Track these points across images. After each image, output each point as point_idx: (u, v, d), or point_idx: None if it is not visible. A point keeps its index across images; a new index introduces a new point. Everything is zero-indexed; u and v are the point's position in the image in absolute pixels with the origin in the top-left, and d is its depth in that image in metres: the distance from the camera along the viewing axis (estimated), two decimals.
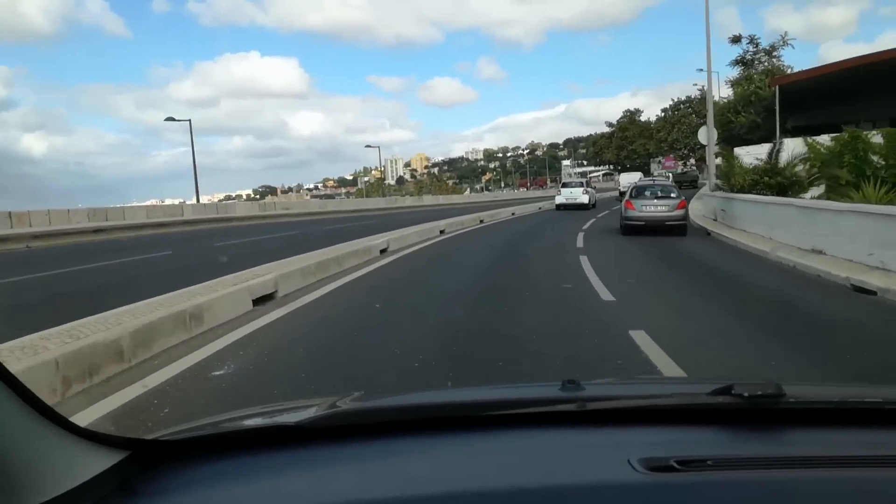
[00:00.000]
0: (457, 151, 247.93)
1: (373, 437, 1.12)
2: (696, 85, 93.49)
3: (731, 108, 37.14)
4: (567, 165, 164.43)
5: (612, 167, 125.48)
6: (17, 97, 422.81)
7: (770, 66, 41.16)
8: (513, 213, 29.07)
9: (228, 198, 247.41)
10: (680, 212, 15.65)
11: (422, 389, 3.89)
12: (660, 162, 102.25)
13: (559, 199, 31.74)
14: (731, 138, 33.68)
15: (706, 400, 1.17)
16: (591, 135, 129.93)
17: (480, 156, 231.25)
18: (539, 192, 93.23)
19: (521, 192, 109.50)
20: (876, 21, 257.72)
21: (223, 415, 1.40)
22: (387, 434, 1.12)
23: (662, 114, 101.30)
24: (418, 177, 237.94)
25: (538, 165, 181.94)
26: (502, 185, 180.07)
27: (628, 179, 50.17)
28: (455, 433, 1.13)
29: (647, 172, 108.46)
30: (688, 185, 51.98)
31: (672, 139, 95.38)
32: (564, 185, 33.43)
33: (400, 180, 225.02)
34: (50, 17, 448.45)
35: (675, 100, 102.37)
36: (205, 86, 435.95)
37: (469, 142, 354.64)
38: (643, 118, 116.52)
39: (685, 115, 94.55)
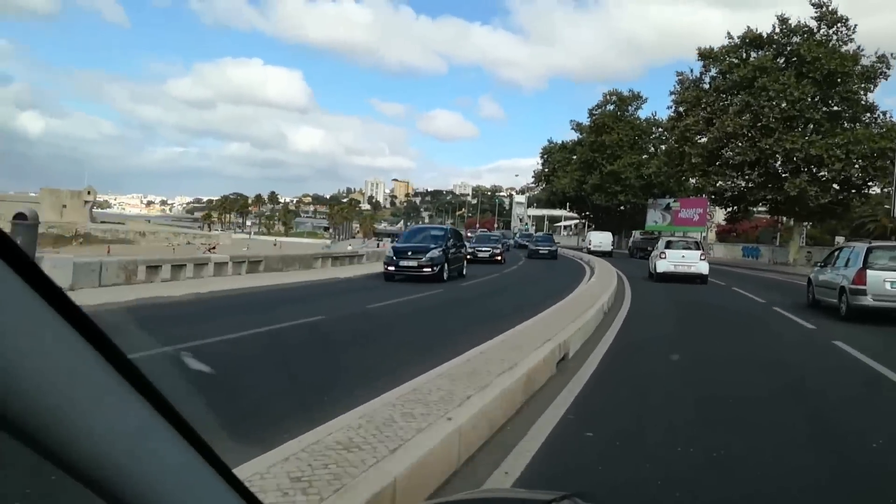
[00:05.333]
0: (452, 185, 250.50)
1: None
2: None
3: None
4: (519, 203, 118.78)
5: (575, 211, 73.00)
6: (11, 73, 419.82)
7: None
8: None
9: (198, 201, 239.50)
10: None
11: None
12: (668, 206, 50.03)
13: (661, 266, 21.39)
14: None
15: None
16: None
17: (469, 191, 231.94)
18: None
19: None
20: None
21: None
22: None
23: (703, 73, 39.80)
24: (398, 204, 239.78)
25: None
26: (409, 220, 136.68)
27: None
28: None
29: (638, 225, 55.28)
30: None
31: (747, 138, 35.66)
32: (668, 246, 22.53)
33: (376, 205, 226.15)
34: None
35: (745, 36, 37.47)
36: (203, 87, 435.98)
37: (466, 177, 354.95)
38: (646, 111, 57.59)
39: (776, 72, 34.91)
